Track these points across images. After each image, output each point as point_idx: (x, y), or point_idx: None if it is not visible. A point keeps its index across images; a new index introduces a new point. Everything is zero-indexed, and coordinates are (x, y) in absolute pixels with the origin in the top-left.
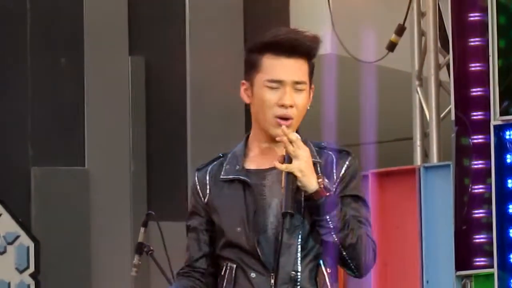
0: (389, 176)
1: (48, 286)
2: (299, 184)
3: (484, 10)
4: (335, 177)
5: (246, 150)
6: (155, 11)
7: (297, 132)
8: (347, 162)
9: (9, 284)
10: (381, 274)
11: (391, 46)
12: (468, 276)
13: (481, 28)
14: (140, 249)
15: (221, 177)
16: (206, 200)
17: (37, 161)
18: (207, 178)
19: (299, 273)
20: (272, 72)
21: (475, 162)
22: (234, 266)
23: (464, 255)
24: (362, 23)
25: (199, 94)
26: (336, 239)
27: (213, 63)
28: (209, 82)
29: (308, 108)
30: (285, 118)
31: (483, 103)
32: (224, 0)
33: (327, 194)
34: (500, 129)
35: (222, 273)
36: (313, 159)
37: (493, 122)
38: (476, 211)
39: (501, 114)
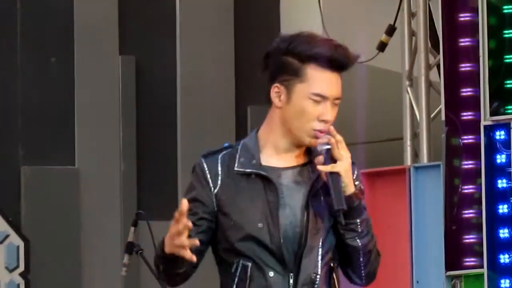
0: (379, 176)
1: (38, 285)
2: (342, 184)
3: (474, 10)
4: None
5: (259, 146)
6: (145, 11)
7: None
8: (355, 172)
9: None
10: None
11: (382, 46)
12: (458, 276)
13: (472, 29)
14: (130, 248)
15: (236, 169)
16: (216, 190)
17: (27, 161)
18: (219, 168)
19: (318, 276)
20: (318, 86)
21: (465, 163)
22: (249, 264)
23: (454, 255)
24: (352, 23)
25: (189, 93)
26: (360, 244)
27: (203, 63)
28: (200, 82)
29: None
30: (322, 132)
31: (473, 104)
32: (215, 1)
33: (362, 197)
34: (490, 130)
35: (233, 270)
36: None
37: (483, 123)
38: (466, 212)
39: (491, 114)
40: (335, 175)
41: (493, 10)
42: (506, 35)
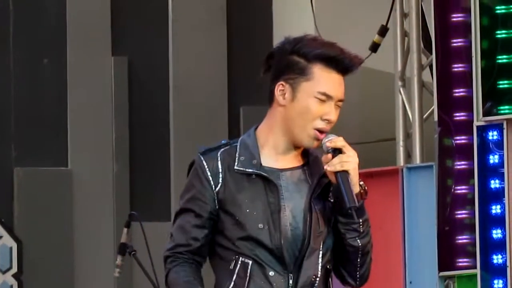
0: (372, 177)
1: (31, 286)
2: (350, 181)
3: (467, 11)
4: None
5: (258, 145)
6: (138, 11)
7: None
8: None
9: None
10: None
11: (374, 47)
12: (451, 277)
13: (464, 29)
14: (123, 249)
15: (236, 168)
16: (217, 188)
17: (20, 162)
18: (219, 165)
19: (318, 278)
20: (324, 85)
21: (458, 163)
22: (250, 261)
23: (447, 256)
24: (344, 24)
25: (182, 94)
26: (360, 244)
27: (196, 64)
28: (192, 82)
29: None
30: (322, 132)
31: (466, 104)
32: (207, 1)
33: (366, 197)
34: (483, 130)
35: (231, 267)
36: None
37: (476, 123)
38: (459, 212)
39: (484, 115)
40: (344, 174)
41: (486, 11)
42: (499, 36)
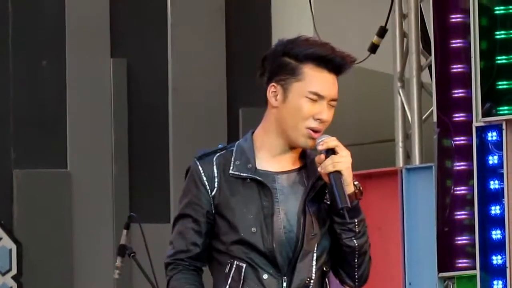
0: (371, 178)
1: None
2: (343, 182)
3: (466, 11)
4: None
5: (254, 149)
6: (137, 13)
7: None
8: None
9: None
10: None
11: (373, 48)
12: (450, 278)
13: (463, 30)
14: (122, 251)
15: (231, 172)
16: (213, 193)
17: (19, 164)
18: (215, 170)
19: (312, 280)
20: (316, 84)
21: (457, 164)
22: (244, 265)
23: (446, 257)
24: (343, 25)
25: (181, 96)
26: (356, 244)
27: (195, 65)
28: (191, 84)
29: None
30: (316, 131)
31: (465, 105)
32: (206, 2)
33: (361, 197)
34: (482, 131)
35: (226, 271)
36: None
37: (475, 124)
38: (458, 213)
39: (483, 115)
40: (337, 174)
41: (485, 11)
42: (498, 36)
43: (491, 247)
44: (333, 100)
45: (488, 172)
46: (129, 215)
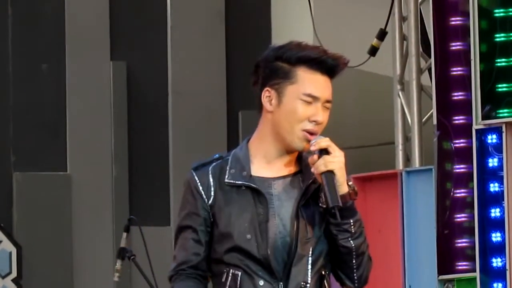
0: (371, 180)
1: None
2: (335, 182)
3: (465, 14)
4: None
5: (249, 156)
6: (136, 16)
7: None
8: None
9: None
10: None
11: (373, 51)
12: (450, 280)
13: (463, 32)
14: (122, 254)
15: (227, 181)
16: (210, 202)
17: (19, 167)
18: (210, 179)
19: (308, 284)
20: (309, 86)
21: (457, 166)
22: (239, 272)
23: (446, 259)
24: (343, 28)
25: (181, 98)
26: (353, 245)
27: (194, 68)
28: (191, 87)
29: None
30: (311, 133)
31: (465, 108)
32: (205, 5)
33: (355, 198)
34: (482, 133)
35: (223, 280)
36: None
37: (475, 126)
38: (458, 215)
39: (483, 118)
40: (329, 174)
41: (484, 14)
42: (497, 39)
43: (491, 249)
44: (327, 101)
45: (488, 175)
46: (129, 218)
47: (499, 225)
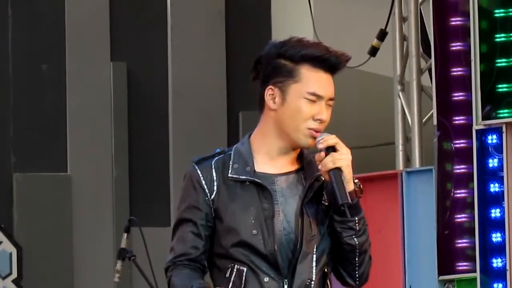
0: (371, 181)
1: None
2: (343, 179)
3: (466, 14)
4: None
5: (252, 152)
6: (136, 17)
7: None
8: None
9: None
10: None
11: (373, 51)
12: (450, 281)
13: (463, 33)
14: (122, 254)
15: (230, 175)
16: (213, 196)
17: (19, 167)
18: (214, 173)
19: (313, 282)
20: (313, 85)
21: (457, 167)
22: (245, 268)
23: (446, 260)
24: (343, 28)
25: (181, 99)
26: (357, 242)
27: (195, 69)
28: (191, 87)
29: None
30: (316, 131)
31: (465, 108)
32: (206, 6)
33: (361, 195)
34: (482, 134)
35: (227, 275)
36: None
37: (475, 127)
38: (458, 216)
39: (483, 118)
40: (337, 171)
41: (485, 14)
42: (498, 39)
43: (491, 250)
44: (330, 99)
45: (488, 175)
46: (129, 219)
47: (499, 225)
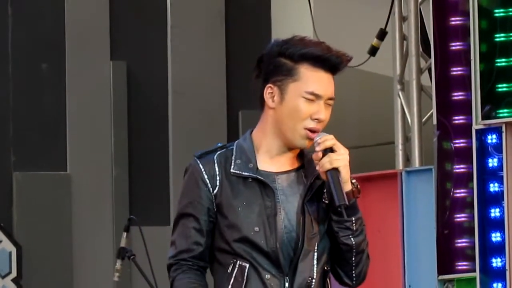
0: (371, 180)
1: None
2: (340, 179)
3: (465, 14)
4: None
5: (254, 149)
6: (136, 16)
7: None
8: None
9: None
10: None
11: (373, 51)
12: (450, 280)
13: (463, 32)
14: (122, 254)
15: (232, 171)
16: (215, 191)
17: (19, 166)
18: (216, 168)
19: (314, 280)
20: (312, 84)
21: (457, 166)
22: (247, 265)
23: (446, 259)
24: (343, 28)
25: (181, 98)
26: (353, 242)
27: (194, 68)
28: (191, 86)
29: None
30: (313, 131)
31: (465, 107)
32: (205, 5)
33: (358, 196)
34: (481, 133)
35: (229, 271)
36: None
37: (475, 126)
38: (458, 215)
39: (483, 118)
40: (335, 172)
41: (484, 14)
42: (497, 39)
43: (490, 249)
44: (330, 99)
45: (488, 175)
46: (129, 218)
47: (499, 225)
